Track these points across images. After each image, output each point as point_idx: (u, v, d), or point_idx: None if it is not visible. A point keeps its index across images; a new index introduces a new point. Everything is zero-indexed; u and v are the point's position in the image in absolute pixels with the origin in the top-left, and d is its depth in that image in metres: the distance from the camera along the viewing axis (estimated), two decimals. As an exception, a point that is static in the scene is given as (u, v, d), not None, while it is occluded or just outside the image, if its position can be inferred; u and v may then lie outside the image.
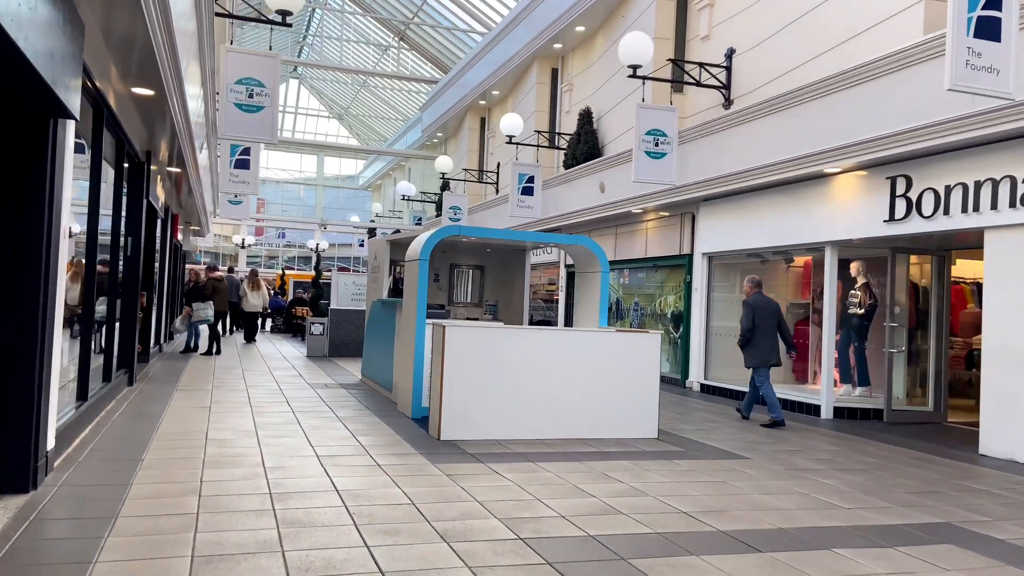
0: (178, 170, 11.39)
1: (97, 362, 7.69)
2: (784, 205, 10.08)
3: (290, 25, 14.33)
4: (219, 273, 15.08)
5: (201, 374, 11.19)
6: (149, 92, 6.92)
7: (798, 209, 9.82)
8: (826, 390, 9.38)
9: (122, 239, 9.26)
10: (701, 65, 11.27)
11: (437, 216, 24.88)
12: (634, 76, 10.75)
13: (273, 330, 23.32)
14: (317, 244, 45.48)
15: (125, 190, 9.29)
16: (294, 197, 51.86)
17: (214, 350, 14.37)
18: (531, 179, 15.92)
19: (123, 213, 9.14)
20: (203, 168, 15.46)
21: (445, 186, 25.10)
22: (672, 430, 7.79)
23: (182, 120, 8.56)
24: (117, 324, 9.06)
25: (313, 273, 14.89)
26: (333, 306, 15.13)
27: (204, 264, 44.87)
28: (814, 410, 9.46)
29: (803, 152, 9.18)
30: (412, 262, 8.11)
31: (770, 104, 9.78)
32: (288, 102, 41.94)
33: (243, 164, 14.45)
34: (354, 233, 43.02)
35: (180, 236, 18.55)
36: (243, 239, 43.91)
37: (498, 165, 20.98)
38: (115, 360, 8.77)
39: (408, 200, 27.62)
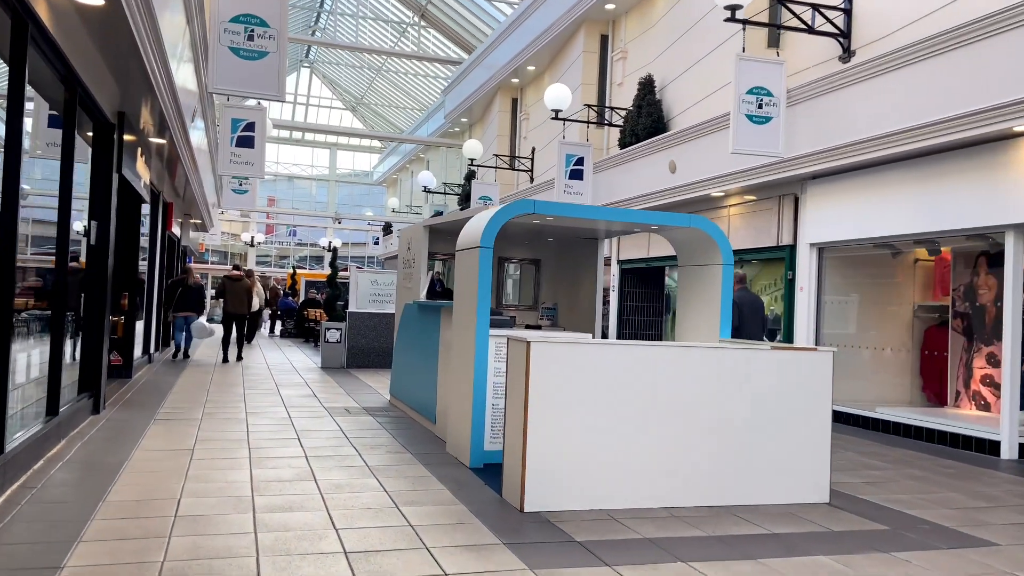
0: (163, 141, 9.25)
1: (38, 389, 5.56)
2: (937, 179, 7.81)
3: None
4: (237, 272, 13.59)
5: (192, 393, 9.03)
6: (98, 1, 4.76)
7: (961, 184, 7.55)
8: (1010, 421, 7.09)
9: (82, 224, 7.11)
10: (814, 7, 9.02)
11: (463, 208, 22.70)
12: (733, 19, 8.52)
13: (283, 334, 21.20)
14: (330, 242, 43.52)
15: (89, 159, 7.14)
16: (305, 194, 49.84)
17: (229, 357, 13.20)
18: (580, 161, 13.71)
19: (83, 188, 6.99)
20: (201, 152, 13.35)
21: (471, 175, 22.93)
22: (835, 485, 5.54)
23: (156, 60, 6.40)
24: (58, 337, 6.91)
25: (328, 271, 12.61)
26: (351, 309, 12.97)
27: (194, 263, 42.25)
28: (989, 447, 7.19)
29: (974, 108, 6.92)
30: (469, 251, 5.92)
31: (916, 50, 7.53)
32: (299, 93, 39.89)
33: (246, 142, 12.28)
34: (368, 231, 40.93)
35: (177, 229, 16.43)
36: (252, 237, 41.91)
37: (532, 150, 18.78)
38: (63, 387, 6.61)
39: (429, 192, 25.46)
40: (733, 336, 9.35)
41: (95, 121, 7.22)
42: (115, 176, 7.58)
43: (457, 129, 26.53)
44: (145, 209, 11.81)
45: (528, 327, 8.14)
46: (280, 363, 13.47)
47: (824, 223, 9.33)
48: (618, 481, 4.68)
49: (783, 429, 5.03)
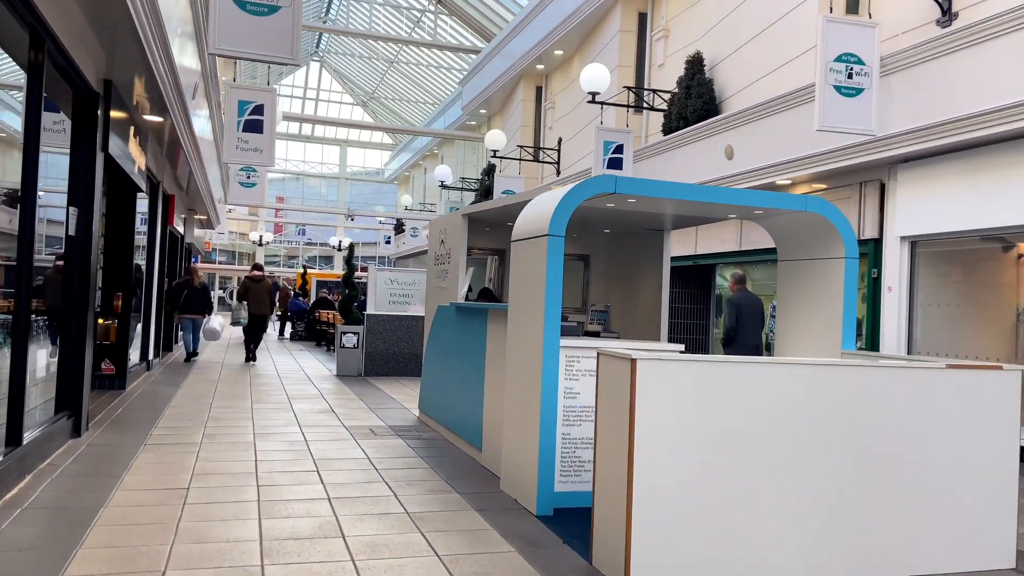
0: (159, 120, 8.10)
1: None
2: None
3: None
4: (258, 273, 13.70)
5: (193, 408, 7.88)
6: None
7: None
8: None
9: (57, 210, 5.97)
10: (910, -38, 7.79)
11: (481, 205, 21.53)
12: (819, -25, 7.29)
13: (293, 336, 20.07)
14: (340, 241, 42.43)
15: (66, 130, 6.00)
16: (315, 193, 48.79)
17: (250, 359, 13.14)
18: (619, 149, 12.50)
19: (59, 164, 5.84)
20: (205, 141, 12.23)
21: (490, 169, 21.75)
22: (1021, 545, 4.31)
23: (147, 15, 5.26)
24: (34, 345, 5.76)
25: (344, 269, 11.46)
26: (370, 311, 11.81)
27: (200, 263, 41.19)
28: None
29: None
30: (530, 241, 4.73)
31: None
32: (308, 87, 38.81)
33: (254, 126, 11.14)
34: (380, 229, 39.82)
35: (180, 226, 15.30)
36: (260, 236, 40.87)
37: (559, 141, 17.58)
38: (29, 409, 5.47)
39: (445, 188, 24.30)
40: (728, 341, 8.67)
41: (75, 89, 6.07)
42: (100, 155, 6.42)
43: (474, 122, 25.34)
44: (143, 202, 10.68)
45: (587, 334, 6.95)
46: (291, 370, 12.32)
47: (918, 213, 8.10)
48: (748, 548, 3.48)
49: (960, 474, 3.82)
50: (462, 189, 25.29)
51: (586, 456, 4.71)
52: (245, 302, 13.19)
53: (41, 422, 5.56)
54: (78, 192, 6.19)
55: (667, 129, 12.01)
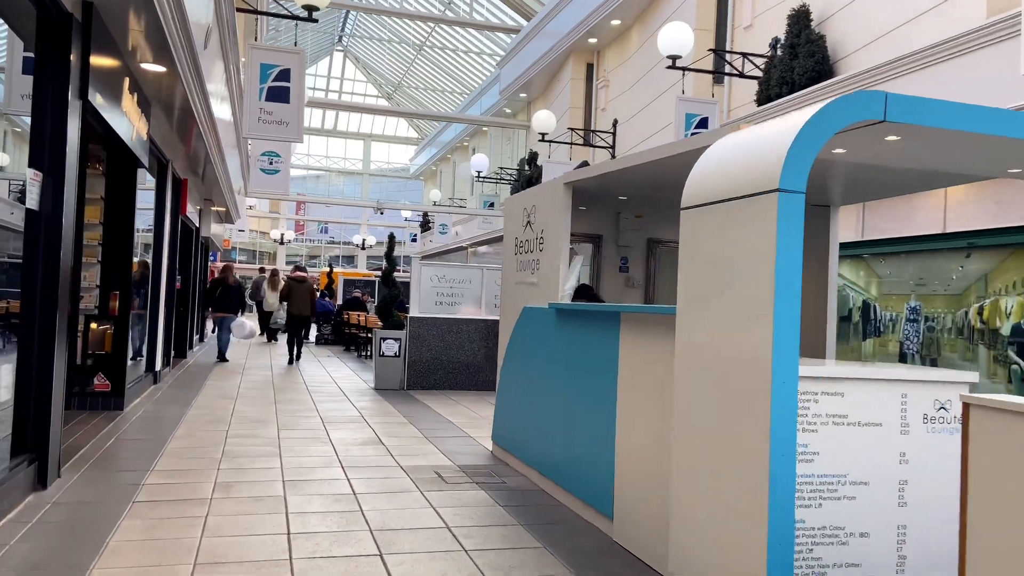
0: (160, 70, 6.38)
1: None
2: None
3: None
4: (300, 274, 13.74)
5: (204, 438, 6.15)
6: None
7: None
8: None
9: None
10: None
11: (522, 196, 19.74)
12: None
13: (319, 340, 18.40)
14: (363, 239, 40.85)
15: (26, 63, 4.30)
16: (336, 192, 47.24)
17: (294, 360, 12.95)
18: (703, 123, 10.68)
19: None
20: (224, 123, 10.57)
21: (532, 158, 19.97)
22: None
23: None
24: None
25: (383, 265, 9.71)
26: (413, 313, 10.06)
27: (219, 261, 39.68)
28: None
29: None
30: (730, 205, 2.94)
31: None
32: (331, 77, 37.23)
33: (279, 95, 9.45)
34: (404, 227, 38.18)
35: (195, 216, 13.65)
36: (282, 234, 39.40)
37: (614, 123, 15.75)
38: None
39: (481, 180, 22.56)
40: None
41: (40, 8, 4.37)
42: (75, 103, 4.71)
43: (509, 111, 23.57)
44: (149, 190, 9.00)
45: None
46: (322, 381, 10.59)
47: None
48: None
49: None
50: (497, 181, 23.54)
51: (832, 557, 2.90)
52: (286, 303, 13.17)
53: (-17, 474, 3.86)
54: (42, 151, 4.48)
55: (764, 97, 10.14)
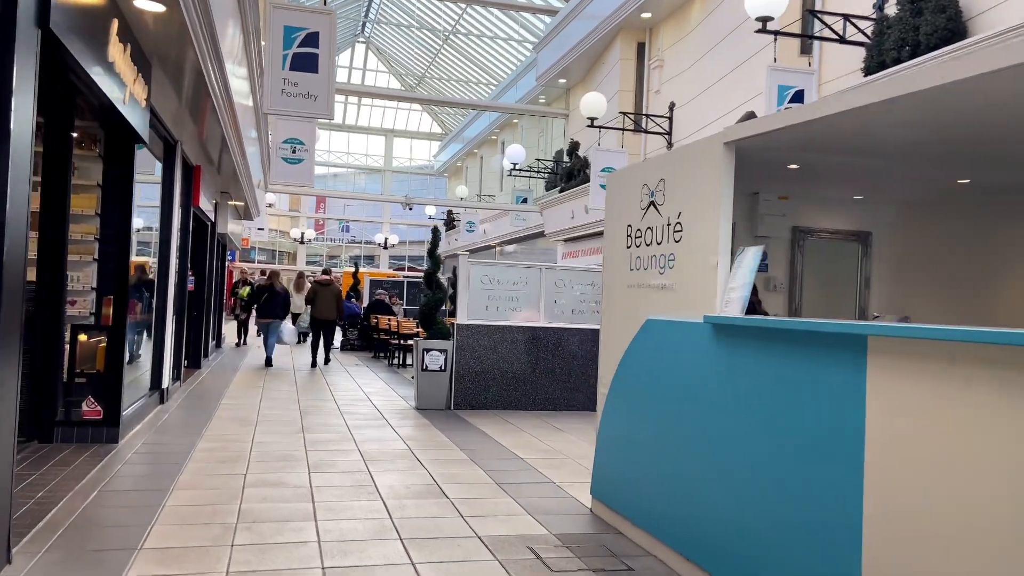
0: (160, 7, 4.96)
1: None
2: None
3: None
4: (326, 277, 13.48)
5: (214, 490, 4.71)
6: None
7: None
8: None
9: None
10: None
11: (564, 189, 18.27)
12: None
13: (344, 346, 17.00)
14: (386, 239, 39.53)
15: None
16: (358, 190, 45.94)
17: (318, 362, 12.88)
18: (798, 96, 9.14)
19: None
20: (245, 108, 9.25)
21: (573, 148, 18.47)
22: None
23: None
24: None
25: (426, 264, 8.23)
26: (460, 320, 8.60)
27: (237, 260, 38.81)
28: None
29: None
30: None
31: None
32: (352, 68, 35.88)
33: (305, 62, 8.05)
34: (428, 225, 36.81)
35: (210, 210, 12.28)
36: (302, 233, 38.18)
37: (671, 107, 14.22)
38: None
39: (514, 174, 21.10)
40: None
41: None
42: (30, 30, 3.30)
43: (543, 100, 22.07)
44: (150, 164, 7.62)
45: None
46: (354, 399, 9.17)
47: None
48: None
49: None
50: (530, 176, 22.06)
51: None
52: (310, 306, 13.02)
53: None
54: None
55: (877, 64, 8.56)
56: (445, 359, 8.52)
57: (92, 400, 6.00)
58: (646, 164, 4.32)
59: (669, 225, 3.89)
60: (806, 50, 10.53)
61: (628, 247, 4.32)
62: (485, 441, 6.73)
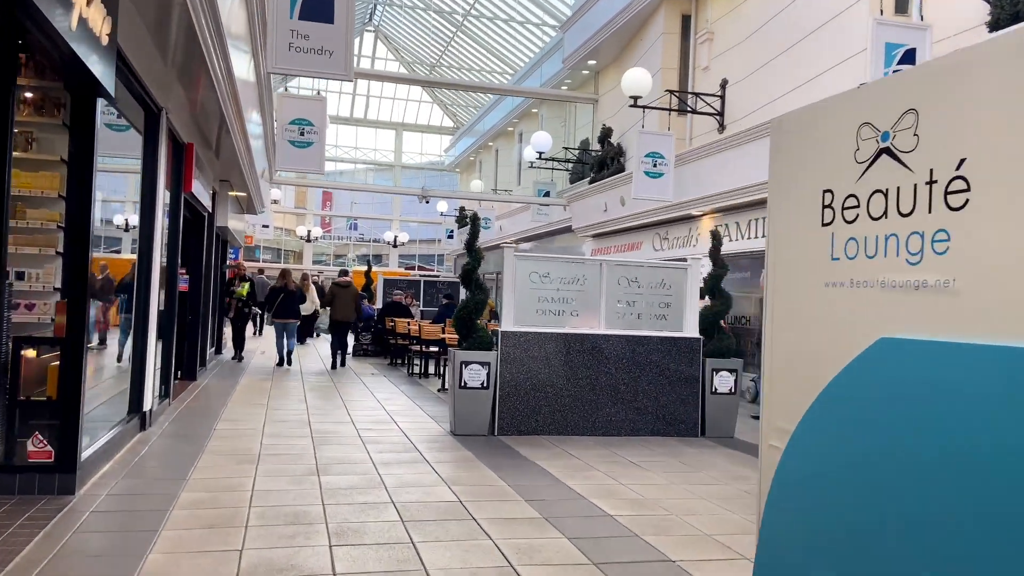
0: None
1: None
2: None
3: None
4: (345, 279, 13.47)
5: (197, 563, 3.25)
6: None
7: None
8: None
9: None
10: None
11: (594, 180, 16.74)
12: None
13: (357, 351, 15.51)
14: (395, 236, 38.01)
15: None
16: (365, 185, 44.42)
17: (338, 364, 12.71)
18: (909, 55, 7.62)
19: None
20: (247, 84, 7.87)
21: (606, 135, 16.93)
22: None
23: None
24: None
25: (465, 261, 6.66)
26: (505, 327, 7.09)
27: (241, 258, 37.70)
28: None
29: None
30: None
31: None
32: (361, 56, 34.41)
33: (318, 10, 6.55)
34: (440, 223, 35.31)
35: (207, 200, 10.78)
36: (308, 231, 36.72)
37: (723, 84, 12.70)
38: None
39: (537, 164, 19.59)
40: None
41: None
42: None
43: (567, 84, 20.52)
44: (133, 143, 6.14)
45: None
46: (375, 420, 7.67)
47: None
48: None
49: None
50: (553, 168, 20.55)
51: None
52: (328, 308, 13.04)
53: None
54: None
55: (1010, 16, 7.02)
56: (487, 374, 7.01)
57: (40, 438, 4.51)
58: (867, 91, 2.80)
59: (932, 184, 2.36)
60: (901, 8, 8.99)
61: (827, 223, 2.79)
62: (553, 486, 5.22)
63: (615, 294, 7.42)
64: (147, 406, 6.60)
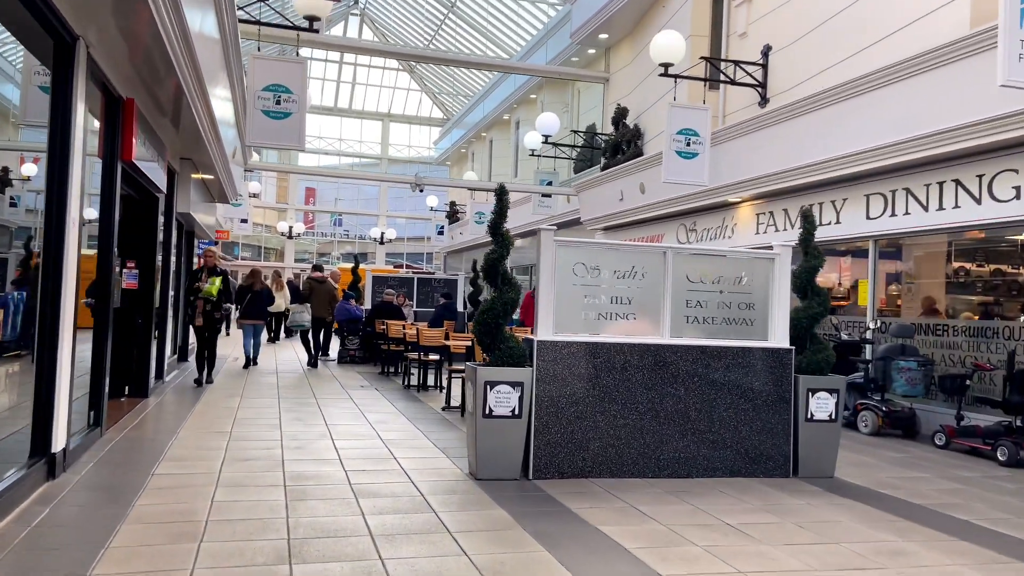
0: None
1: None
2: None
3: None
4: (320, 274, 13.38)
5: None
6: None
7: None
8: None
9: None
10: None
11: (608, 166, 15.04)
12: None
13: (343, 358, 13.70)
14: (382, 233, 36.11)
15: None
16: (350, 181, 42.48)
17: (317, 363, 12.54)
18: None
19: None
20: (208, 39, 6.12)
21: (621, 115, 15.23)
22: None
23: None
24: None
25: (491, 251, 4.84)
26: (541, 335, 5.37)
27: (219, 252, 35.65)
28: None
29: None
30: None
31: None
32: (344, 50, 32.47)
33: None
34: (430, 219, 33.48)
35: (160, 179, 8.91)
36: (290, 227, 34.75)
37: (766, 50, 11.05)
38: None
39: (539, 153, 17.83)
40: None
41: None
42: None
43: (575, 60, 18.69)
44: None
45: None
46: (371, 458, 5.91)
47: None
48: None
49: None
50: (556, 156, 18.81)
51: None
52: (308, 304, 12.94)
53: None
54: None
55: None
56: (520, 398, 5.29)
57: None
58: None
59: None
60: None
61: None
62: (631, 571, 3.50)
63: (681, 292, 5.71)
64: (57, 445, 4.81)
